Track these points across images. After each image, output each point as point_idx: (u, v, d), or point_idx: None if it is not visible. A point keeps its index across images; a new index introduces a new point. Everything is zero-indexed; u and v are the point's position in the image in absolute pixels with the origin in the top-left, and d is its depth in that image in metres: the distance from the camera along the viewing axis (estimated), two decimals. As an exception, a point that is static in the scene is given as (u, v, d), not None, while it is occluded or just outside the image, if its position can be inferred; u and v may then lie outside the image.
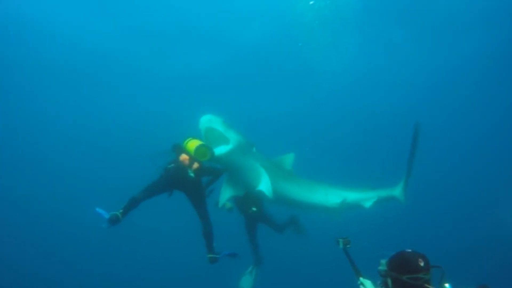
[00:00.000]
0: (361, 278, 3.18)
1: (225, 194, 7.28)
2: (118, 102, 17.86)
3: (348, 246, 3.44)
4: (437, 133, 17.18)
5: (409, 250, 2.71)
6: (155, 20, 14.70)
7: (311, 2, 13.06)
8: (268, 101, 17.57)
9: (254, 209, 7.38)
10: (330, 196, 7.88)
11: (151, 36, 15.27)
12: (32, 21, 14.38)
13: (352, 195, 8.00)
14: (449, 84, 17.04)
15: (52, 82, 16.94)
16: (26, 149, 18.72)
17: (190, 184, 6.29)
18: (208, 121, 6.83)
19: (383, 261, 2.87)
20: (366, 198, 8.08)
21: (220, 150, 6.72)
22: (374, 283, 3.06)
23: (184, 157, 6.23)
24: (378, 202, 8.12)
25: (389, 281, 2.73)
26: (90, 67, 16.43)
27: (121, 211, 5.74)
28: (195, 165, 6.24)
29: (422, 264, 2.60)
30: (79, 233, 15.23)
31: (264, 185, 6.95)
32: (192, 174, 6.18)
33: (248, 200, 7.45)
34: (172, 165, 6.23)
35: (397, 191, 8.31)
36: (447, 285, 2.68)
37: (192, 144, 6.28)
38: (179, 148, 6.39)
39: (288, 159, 7.88)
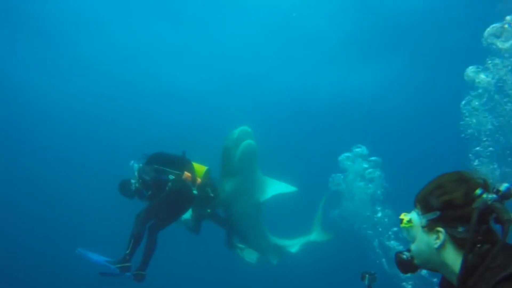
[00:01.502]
0: None
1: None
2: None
3: (374, 283, 3.14)
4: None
5: None
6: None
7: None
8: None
9: (208, 211, 7.58)
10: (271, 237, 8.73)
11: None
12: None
13: (284, 241, 9.02)
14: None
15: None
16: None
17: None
18: (245, 132, 7.24)
19: None
20: (293, 244, 9.07)
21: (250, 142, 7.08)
22: None
23: (187, 174, 6.18)
24: (303, 245, 9.07)
25: None
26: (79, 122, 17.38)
27: (127, 255, 5.70)
28: (198, 180, 6.31)
29: None
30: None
31: (281, 188, 7.80)
32: (195, 192, 6.21)
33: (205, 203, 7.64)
34: (173, 182, 6.11)
35: (313, 235, 9.16)
36: None
37: (200, 167, 6.47)
38: (183, 163, 6.33)
39: None
